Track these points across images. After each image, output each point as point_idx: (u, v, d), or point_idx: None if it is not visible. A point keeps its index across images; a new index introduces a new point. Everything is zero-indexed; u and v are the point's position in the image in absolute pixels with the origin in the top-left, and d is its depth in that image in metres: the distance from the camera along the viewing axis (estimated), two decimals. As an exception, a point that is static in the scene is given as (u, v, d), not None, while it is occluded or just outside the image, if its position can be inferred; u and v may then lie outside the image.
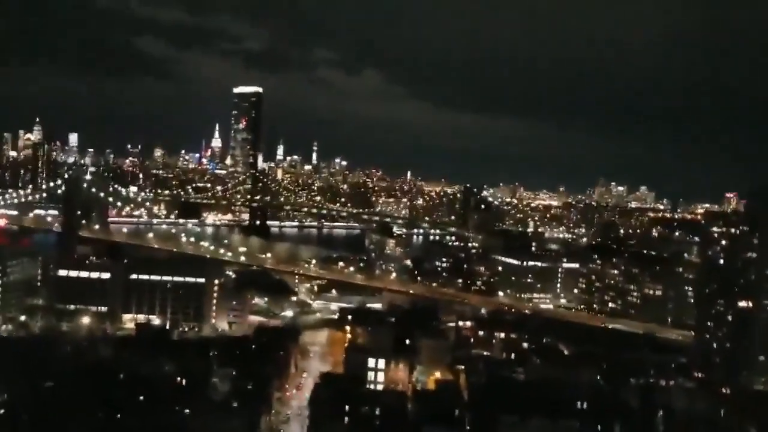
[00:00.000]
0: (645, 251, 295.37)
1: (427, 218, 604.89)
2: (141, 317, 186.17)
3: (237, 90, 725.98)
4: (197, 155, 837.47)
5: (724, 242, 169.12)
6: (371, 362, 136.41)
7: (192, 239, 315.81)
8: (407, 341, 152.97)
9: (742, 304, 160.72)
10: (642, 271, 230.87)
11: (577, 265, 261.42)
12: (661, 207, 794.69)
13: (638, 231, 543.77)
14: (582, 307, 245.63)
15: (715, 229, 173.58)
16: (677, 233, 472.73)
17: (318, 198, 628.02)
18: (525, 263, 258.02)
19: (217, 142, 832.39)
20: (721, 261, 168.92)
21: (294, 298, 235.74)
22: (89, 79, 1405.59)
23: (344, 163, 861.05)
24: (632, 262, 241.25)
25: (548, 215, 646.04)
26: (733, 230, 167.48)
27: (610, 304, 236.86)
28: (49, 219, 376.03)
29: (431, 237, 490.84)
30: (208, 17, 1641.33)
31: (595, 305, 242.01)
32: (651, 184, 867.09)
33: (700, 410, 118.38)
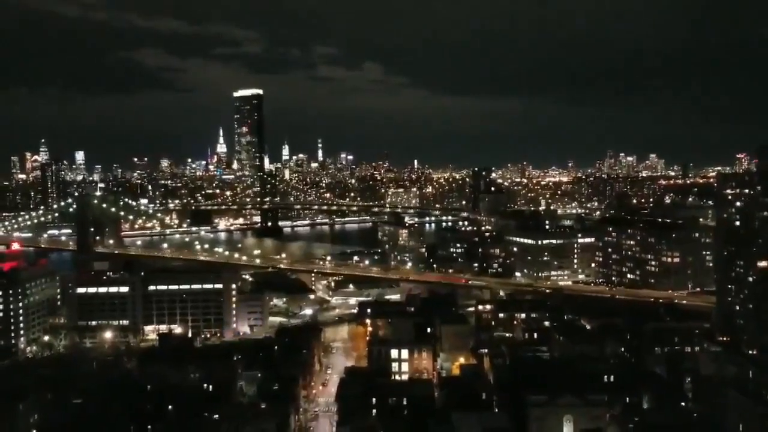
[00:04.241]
0: (659, 219, 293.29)
1: (438, 205, 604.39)
2: (163, 327, 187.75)
3: (237, 94, 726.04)
4: (204, 162, 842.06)
5: (738, 203, 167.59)
6: (394, 353, 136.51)
7: (206, 246, 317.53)
8: (428, 329, 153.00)
9: (762, 264, 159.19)
10: (658, 240, 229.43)
11: (592, 239, 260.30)
12: (672, 173, 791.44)
13: (651, 199, 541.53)
14: (601, 280, 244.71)
15: (728, 191, 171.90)
16: (690, 198, 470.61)
17: (327, 195, 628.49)
18: (540, 242, 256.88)
19: (222, 148, 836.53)
20: (737, 223, 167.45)
21: (312, 296, 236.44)
22: (91, 96, 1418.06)
23: (350, 157, 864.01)
24: (647, 232, 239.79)
25: (559, 191, 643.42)
26: (746, 190, 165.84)
27: (629, 275, 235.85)
28: (63, 238, 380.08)
29: (443, 223, 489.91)
30: (206, 25, 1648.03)
31: (613, 278, 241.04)
32: (660, 152, 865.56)
33: (728, 373, 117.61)
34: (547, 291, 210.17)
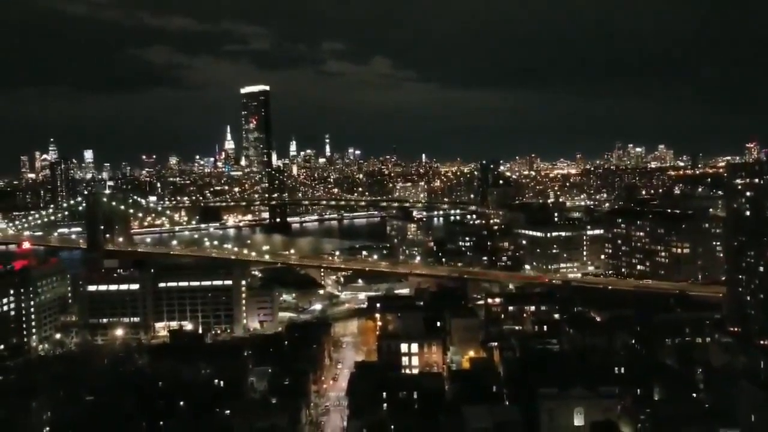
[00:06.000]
0: (669, 210, 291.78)
1: (446, 199, 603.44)
2: (173, 324, 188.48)
3: (244, 90, 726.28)
4: (212, 159, 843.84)
5: (748, 193, 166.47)
6: (404, 347, 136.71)
7: (215, 243, 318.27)
8: (438, 323, 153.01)
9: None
10: (668, 231, 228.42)
11: (601, 231, 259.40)
12: (681, 164, 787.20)
13: (660, 190, 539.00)
14: (610, 272, 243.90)
15: (738, 181, 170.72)
16: (700, 189, 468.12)
17: (335, 190, 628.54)
18: (549, 234, 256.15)
19: (230, 144, 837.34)
20: (747, 213, 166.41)
21: (321, 291, 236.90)
22: (100, 94, 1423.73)
23: (358, 152, 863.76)
24: (657, 223, 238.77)
25: (568, 184, 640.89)
26: (756, 180, 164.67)
27: (639, 267, 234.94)
28: (73, 236, 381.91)
29: (452, 217, 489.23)
30: (214, 22, 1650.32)
31: (623, 269, 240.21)
32: (669, 142, 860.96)
33: (739, 364, 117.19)
34: (556, 283, 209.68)
